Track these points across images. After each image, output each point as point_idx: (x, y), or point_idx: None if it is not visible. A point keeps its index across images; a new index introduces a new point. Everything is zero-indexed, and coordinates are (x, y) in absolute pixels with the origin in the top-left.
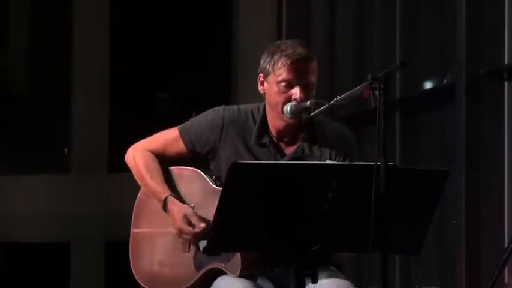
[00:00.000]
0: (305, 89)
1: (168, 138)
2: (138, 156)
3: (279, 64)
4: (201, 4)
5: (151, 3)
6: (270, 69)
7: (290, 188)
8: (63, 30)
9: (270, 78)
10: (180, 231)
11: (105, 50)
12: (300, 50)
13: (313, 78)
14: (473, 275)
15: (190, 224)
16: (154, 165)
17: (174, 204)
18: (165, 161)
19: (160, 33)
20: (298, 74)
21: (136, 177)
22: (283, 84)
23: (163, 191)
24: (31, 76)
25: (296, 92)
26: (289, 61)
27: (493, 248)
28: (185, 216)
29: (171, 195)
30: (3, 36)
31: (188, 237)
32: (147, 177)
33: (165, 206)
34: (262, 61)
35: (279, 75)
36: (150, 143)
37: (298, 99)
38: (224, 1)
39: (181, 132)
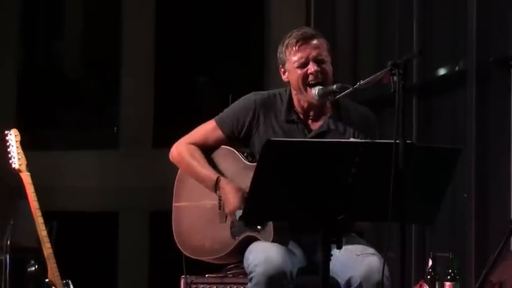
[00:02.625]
0: (318, 63)
1: (207, 130)
2: (181, 149)
3: (289, 49)
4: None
5: (192, 0)
6: (284, 57)
7: (318, 163)
8: (113, 20)
9: (287, 65)
10: (236, 209)
11: (151, 38)
12: (303, 30)
13: (323, 53)
14: (482, 243)
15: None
16: (198, 153)
17: (227, 185)
18: (206, 150)
19: (200, 23)
20: (307, 51)
21: (183, 168)
22: (297, 65)
23: (212, 173)
24: (84, 61)
25: (310, 67)
26: (295, 41)
27: (499, 219)
28: (243, 196)
29: (220, 176)
30: (60, 25)
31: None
32: (195, 164)
33: (216, 186)
34: (278, 53)
35: (292, 59)
36: (190, 137)
37: (314, 73)
38: None
39: (218, 122)
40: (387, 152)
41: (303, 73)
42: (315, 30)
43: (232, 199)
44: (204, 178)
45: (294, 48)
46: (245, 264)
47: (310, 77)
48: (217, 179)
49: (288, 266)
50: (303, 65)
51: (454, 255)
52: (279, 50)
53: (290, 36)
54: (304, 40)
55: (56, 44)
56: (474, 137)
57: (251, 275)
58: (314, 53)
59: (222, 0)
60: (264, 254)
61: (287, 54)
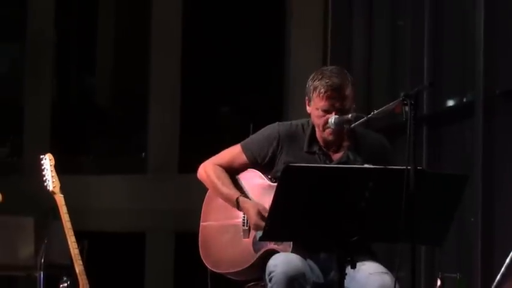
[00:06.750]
0: (339, 112)
1: (233, 154)
2: (208, 170)
3: (316, 93)
4: (259, 35)
5: (216, 35)
6: (311, 96)
7: (333, 187)
8: (141, 54)
9: (312, 103)
10: (256, 225)
11: (177, 71)
12: (333, 80)
13: (346, 103)
14: (488, 265)
15: (263, 218)
16: (224, 174)
17: (246, 203)
18: (231, 173)
19: (223, 56)
20: (331, 102)
21: (209, 187)
22: (320, 110)
23: (234, 193)
24: (114, 92)
25: (331, 116)
26: (323, 91)
27: (504, 242)
28: (259, 212)
29: (241, 195)
30: (92, 59)
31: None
32: (219, 184)
33: (237, 205)
34: (307, 86)
35: (317, 103)
36: (217, 159)
37: None
38: (279, 32)
39: (243, 148)
40: (399, 177)
41: (324, 119)
42: (342, 77)
43: (252, 215)
44: (227, 197)
45: (321, 94)
46: (266, 272)
47: (329, 123)
48: (237, 199)
49: (307, 269)
50: (326, 111)
51: (461, 275)
52: (308, 83)
53: (321, 78)
54: (332, 91)
55: (87, 77)
56: (481, 164)
57: (271, 275)
58: (337, 104)
59: (244, 36)
60: (285, 258)
61: (314, 95)
